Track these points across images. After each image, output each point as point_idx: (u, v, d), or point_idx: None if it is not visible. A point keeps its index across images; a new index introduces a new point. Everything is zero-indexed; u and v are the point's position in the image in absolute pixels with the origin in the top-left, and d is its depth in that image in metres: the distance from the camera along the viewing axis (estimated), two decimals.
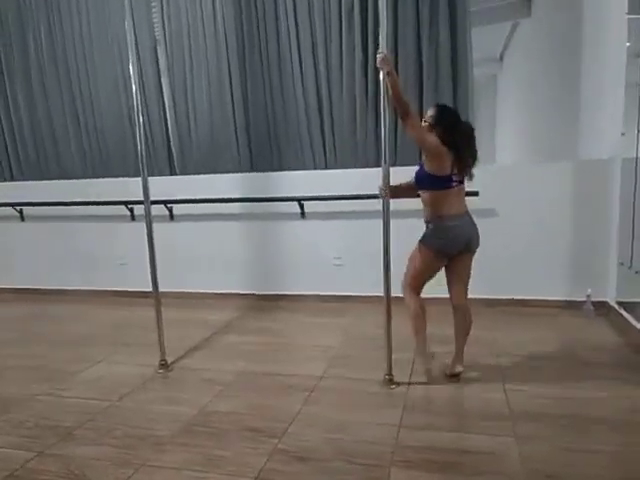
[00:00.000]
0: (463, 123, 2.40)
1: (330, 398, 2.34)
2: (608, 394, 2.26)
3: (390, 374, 2.46)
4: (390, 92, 2.27)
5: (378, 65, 2.29)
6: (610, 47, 3.29)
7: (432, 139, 2.29)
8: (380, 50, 2.30)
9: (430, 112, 2.39)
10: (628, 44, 2.93)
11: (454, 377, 2.48)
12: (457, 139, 2.30)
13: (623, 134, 3.02)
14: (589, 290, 3.39)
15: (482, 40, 6.76)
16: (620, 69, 3.04)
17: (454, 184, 2.36)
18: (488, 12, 6.31)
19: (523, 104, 7.34)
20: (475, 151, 2.38)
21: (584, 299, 3.42)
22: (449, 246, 2.41)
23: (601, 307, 3.39)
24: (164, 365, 2.80)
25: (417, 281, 2.47)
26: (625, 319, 3.04)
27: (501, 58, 9.32)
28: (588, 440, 1.89)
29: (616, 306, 3.21)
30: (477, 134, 3.81)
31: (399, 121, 3.75)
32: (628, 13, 2.89)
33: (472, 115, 3.82)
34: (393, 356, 2.48)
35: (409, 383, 2.47)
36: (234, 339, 3.29)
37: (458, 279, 2.49)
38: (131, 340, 3.34)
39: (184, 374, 2.74)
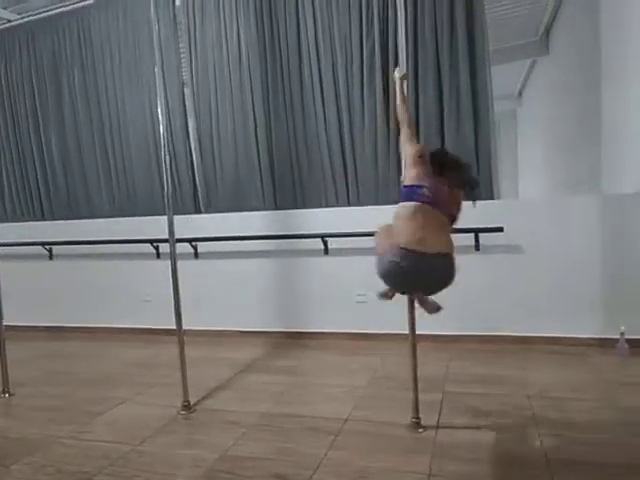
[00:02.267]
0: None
1: (356, 442, 2.27)
2: None
3: (417, 417, 2.37)
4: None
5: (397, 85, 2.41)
6: (631, 82, 3.28)
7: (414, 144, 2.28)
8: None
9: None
10: None
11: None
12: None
13: None
14: (622, 327, 3.25)
15: (501, 77, 6.85)
16: None
17: None
18: (507, 51, 6.41)
19: (543, 139, 7.33)
20: None
21: (617, 337, 3.29)
22: None
23: (636, 345, 3.25)
24: (187, 406, 2.76)
25: None
26: None
27: (520, 94, 9.39)
28: None
29: None
30: (500, 169, 3.86)
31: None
32: None
33: (494, 150, 3.81)
34: (420, 397, 2.39)
35: (437, 427, 2.37)
36: (258, 378, 3.24)
37: None
38: (154, 380, 3.32)
39: (207, 416, 2.69)
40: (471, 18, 3.68)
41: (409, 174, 2.14)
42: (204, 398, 2.93)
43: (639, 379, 2.85)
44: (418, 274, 2.03)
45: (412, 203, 2.05)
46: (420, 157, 2.16)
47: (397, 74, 2.47)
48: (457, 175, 2.15)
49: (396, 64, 3.71)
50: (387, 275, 2.09)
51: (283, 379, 3.19)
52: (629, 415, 2.39)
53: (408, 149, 2.22)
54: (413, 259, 1.97)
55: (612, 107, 3.74)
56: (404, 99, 2.42)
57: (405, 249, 1.97)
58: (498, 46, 6.02)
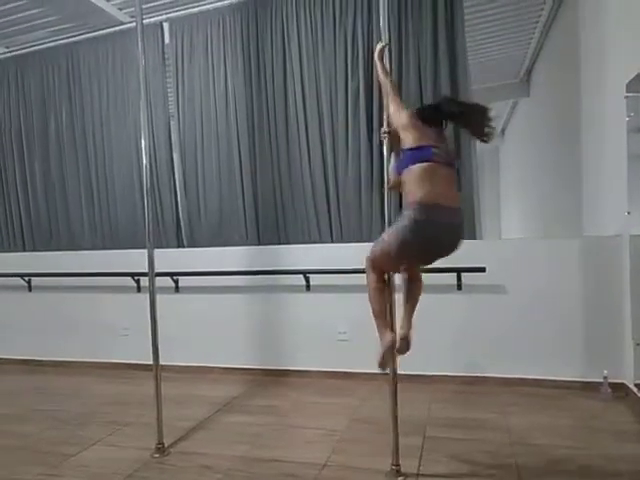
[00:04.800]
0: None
1: None
2: None
3: (397, 464, 2.31)
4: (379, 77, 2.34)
5: (376, 56, 2.35)
6: (610, 124, 3.37)
7: (403, 114, 2.19)
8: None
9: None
10: (627, 119, 3.01)
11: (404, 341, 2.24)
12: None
13: (629, 213, 3.02)
14: (605, 371, 3.25)
15: None
16: (621, 145, 3.09)
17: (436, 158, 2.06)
18: (489, 91, 6.59)
19: (525, 179, 7.47)
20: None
21: (601, 380, 3.27)
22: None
23: (619, 389, 3.23)
24: (160, 449, 2.67)
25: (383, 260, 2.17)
26: None
27: (503, 132, 9.62)
28: None
29: (635, 389, 3.06)
30: (482, 207, 3.79)
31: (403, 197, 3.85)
32: (627, 92, 2.99)
33: (477, 190, 3.86)
34: (401, 441, 2.34)
35: (417, 474, 2.31)
36: (236, 419, 3.15)
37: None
38: (129, 418, 3.22)
39: (181, 459, 2.60)
40: (454, 61, 3.78)
41: (409, 138, 2.10)
42: (180, 439, 2.84)
43: (624, 425, 2.82)
44: (443, 229, 2.02)
45: (426, 164, 2.03)
46: (414, 119, 2.14)
47: (378, 46, 2.36)
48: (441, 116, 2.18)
49: (380, 105, 3.80)
50: (408, 236, 2.00)
51: (261, 420, 3.11)
52: (615, 464, 2.35)
53: (401, 115, 2.18)
54: (436, 213, 1.98)
55: (592, 149, 3.82)
56: (385, 69, 2.34)
57: (424, 203, 1.98)
58: (481, 86, 6.20)
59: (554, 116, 5.24)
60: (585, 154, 4.00)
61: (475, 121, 2.09)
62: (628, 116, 3.00)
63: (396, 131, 2.26)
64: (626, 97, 3.01)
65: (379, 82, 2.39)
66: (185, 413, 3.23)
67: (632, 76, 2.90)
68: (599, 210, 3.70)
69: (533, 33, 5.30)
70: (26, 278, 4.79)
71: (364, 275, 3.72)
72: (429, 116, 2.17)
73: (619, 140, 3.13)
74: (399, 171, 2.19)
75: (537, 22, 5.04)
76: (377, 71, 2.38)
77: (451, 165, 2.11)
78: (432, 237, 2.01)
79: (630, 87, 2.96)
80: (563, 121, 4.74)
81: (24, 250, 5.06)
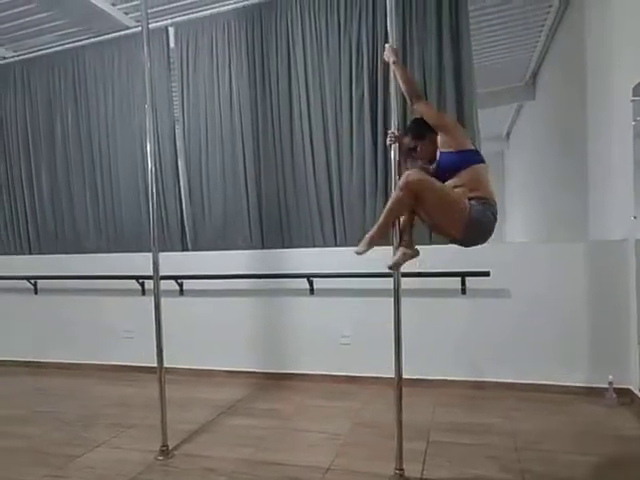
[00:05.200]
0: None
1: None
2: None
3: (401, 468, 2.31)
4: (400, 81, 2.38)
5: (385, 56, 2.45)
6: (616, 128, 3.36)
7: (447, 115, 2.41)
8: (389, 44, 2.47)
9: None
10: (634, 123, 3.00)
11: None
12: None
13: (635, 217, 3.01)
14: (610, 377, 3.22)
15: (489, 119, 7.01)
16: (628, 149, 3.08)
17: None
18: (494, 95, 6.58)
19: (530, 182, 7.44)
20: None
21: (606, 386, 3.25)
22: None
23: (624, 395, 3.21)
24: (164, 451, 2.68)
25: (423, 187, 2.18)
26: None
27: (507, 136, 9.59)
28: None
29: None
30: None
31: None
32: (633, 96, 2.98)
33: None
34: (404, 445, 2.33)
35: (421, 479, 2.31)
36: (239, 422, 3.16)
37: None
38: (133, 421, 3.23)
39: (185, 462, 2.61)
40: (459, 66, 3.77)
41: (459, 139, 2.32)
42: (183, 442, 2.85)
43: (629, 431, 2.80)
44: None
45: (484, 164, 2.35)
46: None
47: (388, 47, 2.44)
48: None
49: (385, 109, 3.81)
50: (488, 223, 2.27)
51: (265, 423, 3.11)
52: (620, 470, 2.34)
53: (447, 117, 2.52)
54: (496, 208, 2.33)
55: (598, 153, 3.80)
56: (406, 70, 2.45)
57: (493, 200, 2.31)
58: (486, 90, 6.19)
59: (560, 119, 5.22)
60: (591, 158, 3.98)
61: None
62: (634, 120, 2.99)
63: (402, 135, 2.41)
64: (632, 101, 3.00)
65: (402, 85, 2.39)
66: (189, 416, 3.24)
67: (638, 80, 2.89)
68: (605, 214, 3.68)
69: (539, 36, 5.28)
70: (32, 281, 4.82)
71: (367, 279, 3.74)
72: None
73: (625, 144, 3.12)
74: (452, 167, 2.30)
75: (543, 25, 5.02)
76: (400, 74, 2.39)
77: None
78: (492, 226, 2.30)
79: (637, 91, 2.96)
80: (569, 124, 4.72)
81: (30, 253, 5.09)
